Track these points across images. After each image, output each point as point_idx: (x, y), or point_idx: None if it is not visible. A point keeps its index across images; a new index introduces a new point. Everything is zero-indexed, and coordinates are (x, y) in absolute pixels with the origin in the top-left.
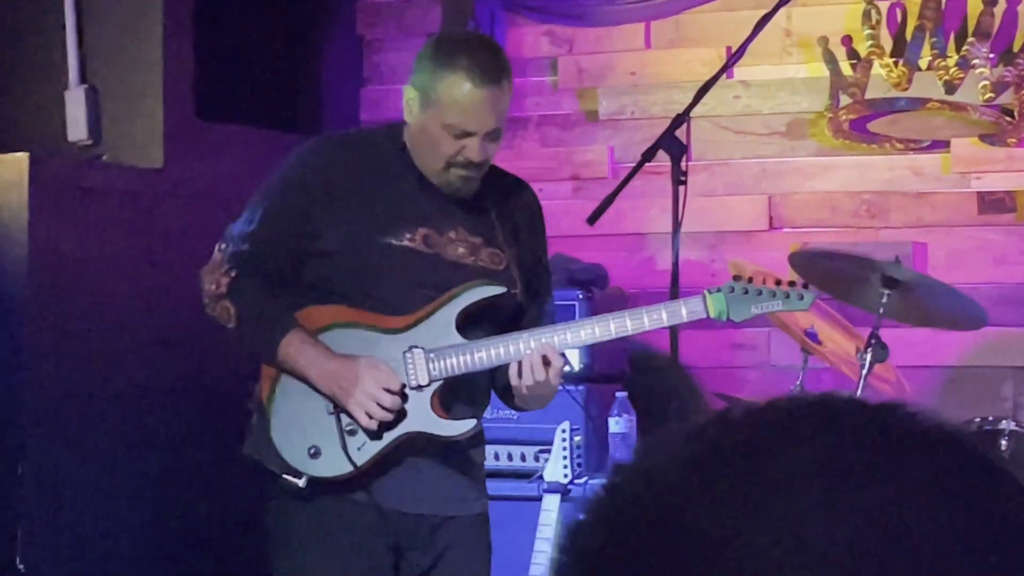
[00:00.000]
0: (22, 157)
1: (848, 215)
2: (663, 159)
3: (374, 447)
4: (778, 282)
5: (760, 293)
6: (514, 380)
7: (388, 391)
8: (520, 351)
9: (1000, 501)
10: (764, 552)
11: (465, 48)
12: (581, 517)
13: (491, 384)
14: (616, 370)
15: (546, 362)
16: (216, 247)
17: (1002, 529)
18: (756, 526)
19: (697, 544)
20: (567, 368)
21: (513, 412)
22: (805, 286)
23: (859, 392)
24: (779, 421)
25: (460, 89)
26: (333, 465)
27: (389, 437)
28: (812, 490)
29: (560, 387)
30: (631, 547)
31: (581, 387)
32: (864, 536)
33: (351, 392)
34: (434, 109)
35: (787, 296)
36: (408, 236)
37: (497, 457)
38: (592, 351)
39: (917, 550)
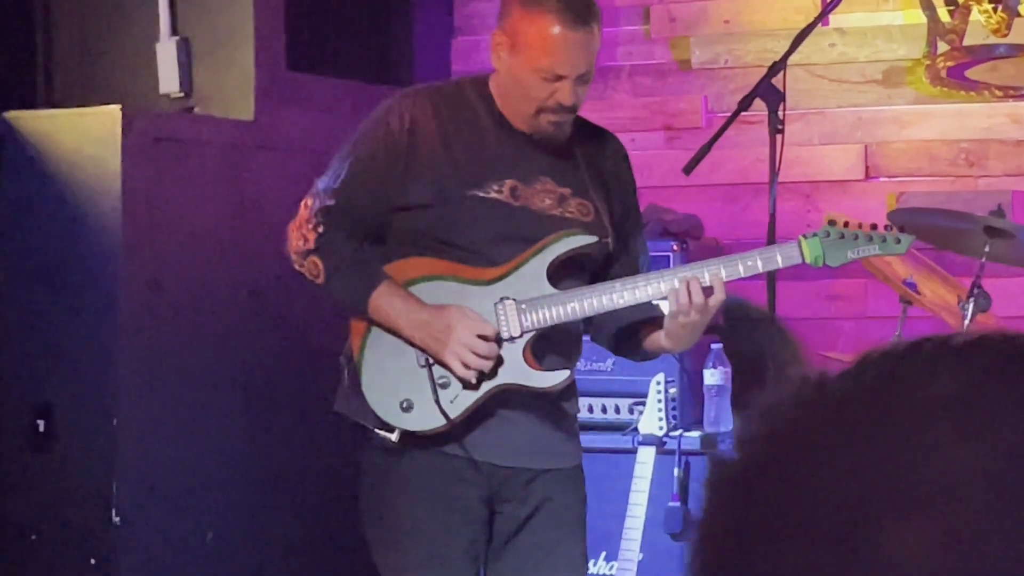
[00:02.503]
0: (114, 110)
1: (946, 164)
2: (758, 108)
3: (467, 399)
4: (874, 226)
5: (856, 237)
6: (675, 306)
7: (483, 338)
8: (614, 301)
9: None
10: (900, 488)
11: None
12: (725, 453)
13: (587, 334)
14: (711, 321)
15: (708, 293)
16: (303, 203)
17: None
18: (890, 464)
19: (830, 481)
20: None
21: (607, 364)
22: (902, 229)
23: None
24: (918, 359)
25: (551, 31)
26: (426, 418)
27: (482, 389)
28: (944, 425)
29: None
30: (769, 486)
31: None
32: (1002, 466)
33: (446, 342)
34: (524, 53)
35: (884, 240)
36: (496, 188)
37: (591, 410)
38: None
39: None
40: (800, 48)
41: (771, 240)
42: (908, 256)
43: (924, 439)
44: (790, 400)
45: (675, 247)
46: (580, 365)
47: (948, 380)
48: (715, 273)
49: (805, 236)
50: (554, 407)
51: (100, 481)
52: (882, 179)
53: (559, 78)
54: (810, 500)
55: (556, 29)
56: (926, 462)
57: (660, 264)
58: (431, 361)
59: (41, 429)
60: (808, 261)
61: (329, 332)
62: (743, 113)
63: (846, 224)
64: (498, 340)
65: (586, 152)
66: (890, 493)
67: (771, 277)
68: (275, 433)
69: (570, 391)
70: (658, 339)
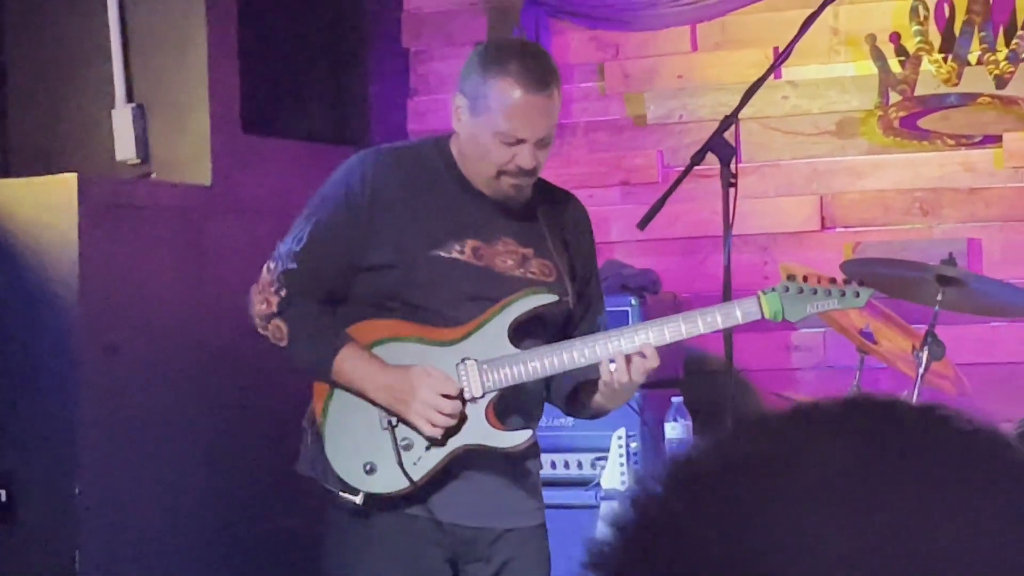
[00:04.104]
0: (71, 177)
1: (901, 213)
2: (713, 162)
3: (430, 461)
4: (832, 280)
5: (815, 292)
6: (605, 376)
7: (447, 396)
8: (574, 360)
9: None
10: (787, 561)
11: (515, 54)
12: (606, 529)
13: (545, 394)
14: (671, 375)
15: (642, 356)
16: (265, 266)
17: None
18: (778, 534)
19: (718, 564)
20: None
21: (568, 420)
22: (861, 283)
23: (916, 391)
24: (806, 425)
25: (511, 95)
26: (390, 481)
27: (445, 450)
28: (838, 494)
29: None
30: (651, 560)
31: (636, 392)
32: (891, 541)
33: (410, 402)
34: (485, 116)
35: (843, 294)
36: (457, 248)
37: (554, 466)
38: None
39: (946, 555)
40: (753, 101)
41: (727, 293)
42: (867, 306)
43: (814, 520)
44: (661, 478)
45: (633, 302)
46: (542, 421)
47: (835, 454)
48: (659, 337)
49: (764, 291)
50: (517, 466)
51: (62, 550)
52: (838, 229)
53: (519, 142)
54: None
55: (516, 93)
56: (820, 545)
57: (618, 319)
58: (394, 423)
59: (2, 499)
60: (767, 316)
61: (291, 395)
62: (698, 167)
63: (805, 278)
64: (461, 399)
65: (547, 212)
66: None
67: (728, 329)
68: (239, 498)
69: (533, 449)
70: (598, 397)
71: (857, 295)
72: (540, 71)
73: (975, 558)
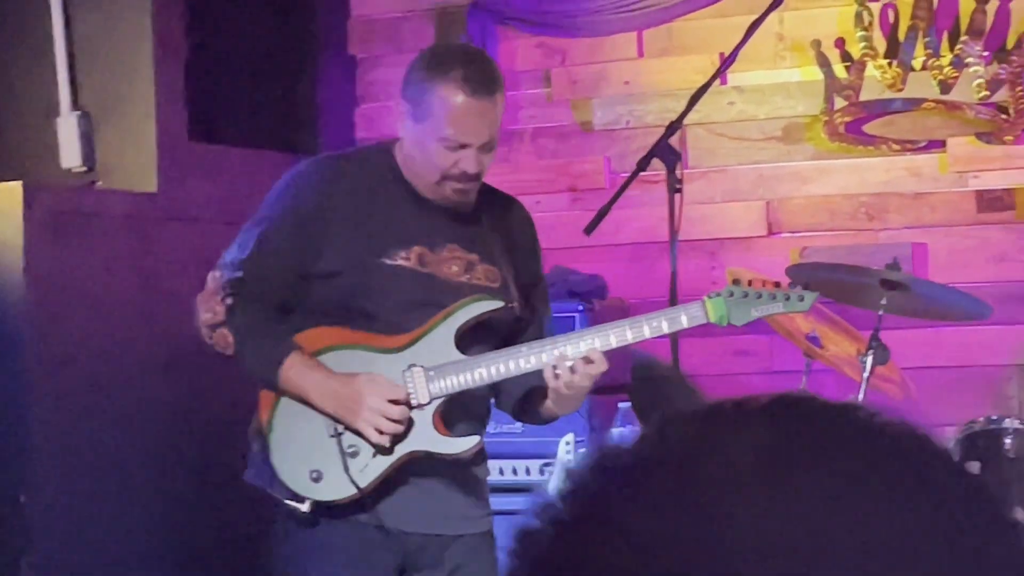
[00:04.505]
0: (16, 186)
1: (846, 218)
2: (659, 167)
3: (377, 468)
4: (777, 284)
5: (760, 296)
6: (552, 382)
7: (394, 403)
8: (520, 366)
9: (956, 502)
10: (703, 552)
11: (458, 60)
12: (529, 524)
13: (492, 400)
14: (619, 381)
15: (588, 361)
16: (210, 275)
17: (954, 530)
18: (695, 526)
19: (638, 550)
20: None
21: (517, 426)
22: (806, 287)
23: (862, 394)
24: (722, 421)
25: (454, 100)
26: (336, 488)
27: (392, 457)
28: (746, 492)
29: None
30: (574, 556)
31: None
32: (800, 529)
33: (357, 410)
34: (428, 122)
35: (787, 298)
36: (402, 255)
37: (501, 472)
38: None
39: (857, 547)
40: (700, 107)
41: (673, 298)
42: (811, 310)
43: (726, 507)
44: (590, 468)
45: (581, 307)
46: (490, 427)
47: (749, 446)
48: (605, 342)
49: (709, 296)
50: (464, 472)
51: (8, 560)
52: (784, 235)
53: (463, 147)
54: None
55: (459, 98)
56: (729, 530)
57: (565, 325)
58: (340, 430)
59: None
60: (713, 320)
61: (240, 402)
62: (645, 173)
63: (750, 283)
64: (408, 405)
65: (493, 218)
66: (694, 564)
67: (674, 334)
68: (189, 506)
69: (480, 455)
70: (548, 403)
71: (801, 299)
72: (483, 76)
73: (880, 549)
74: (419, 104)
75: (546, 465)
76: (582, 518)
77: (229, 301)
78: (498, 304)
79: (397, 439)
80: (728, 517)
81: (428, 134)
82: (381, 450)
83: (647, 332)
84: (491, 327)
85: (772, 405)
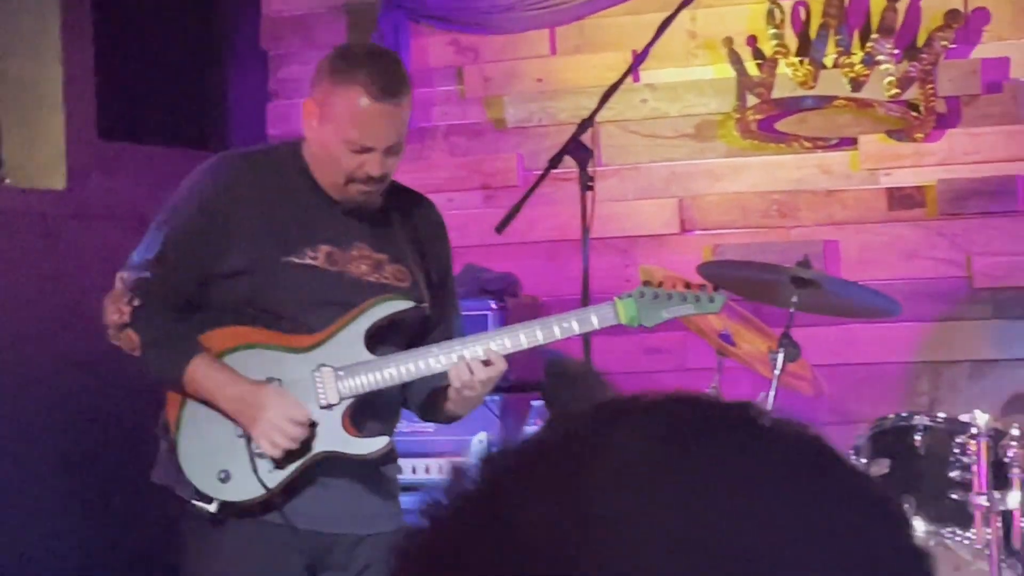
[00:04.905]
0: None
1: (759, 215)
2: (572, 165)
3: (285, 469)
4: (688, 285)
5: (671, 297)
6: (456, 382)
7: (294, 421)
8: (430, 366)
9: (846, 502)
10: (585, 546)
11: (363, 62)
12: (418, 522)
13: (402, 400)
14: (532, 379)
15: (487, 363)
16: (118, 276)
17: (843, 528)
18: (578, 519)
19: (519, 544)
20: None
21: (429, 424)
22: (716, 288)
23: (772, 392)
24: (611, 417)
25: (359, 103)
26: (244, 489)
27: (300, 459)
28: (637, 482)
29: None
30: (452, 552)
31: (497, 397)
32: (686, 526)
33: (257, 419)
34: (333, 124)
35: (697, 299)
36: (310, 254)
37: (414, 470)
38: (507, 360)
39: (740, 544)
40: (613, 104)
41: (585, 296)
42: (724, 308)
43: (610, 501)
44: (476, 464)
45: (493, 306)
46: (402, 426)
47: (637, 441)
48: (516, 343)
49: (620, 297)
50: (374, 472)
51: None
52: (697, 232)
53: (367, 150)
54: (495, 570)
55: (364, 101)
56: (613, 524)
57: (478, 323)
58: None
59: None
60: (623, 322)
61: (150, 401)
62: (557, 170)
63: (660, 284)
64: (311, 420)
65: (402, 217)
66: (577, 558)
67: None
68: (98, 506)
69: (391, 455)
70: (449, 404)
71: (712, 300)
72: (389, 78)
73: (763, 546)
74: (324, 106)
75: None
76: (463, 512)
77: (136, 302)
78: (408, 304)
79: (292, 452)
80: (612, 511)
81: (333, 136)
82: (277, 463)
83: (558, 333)
84: (400, 327)
85: (663, 402)
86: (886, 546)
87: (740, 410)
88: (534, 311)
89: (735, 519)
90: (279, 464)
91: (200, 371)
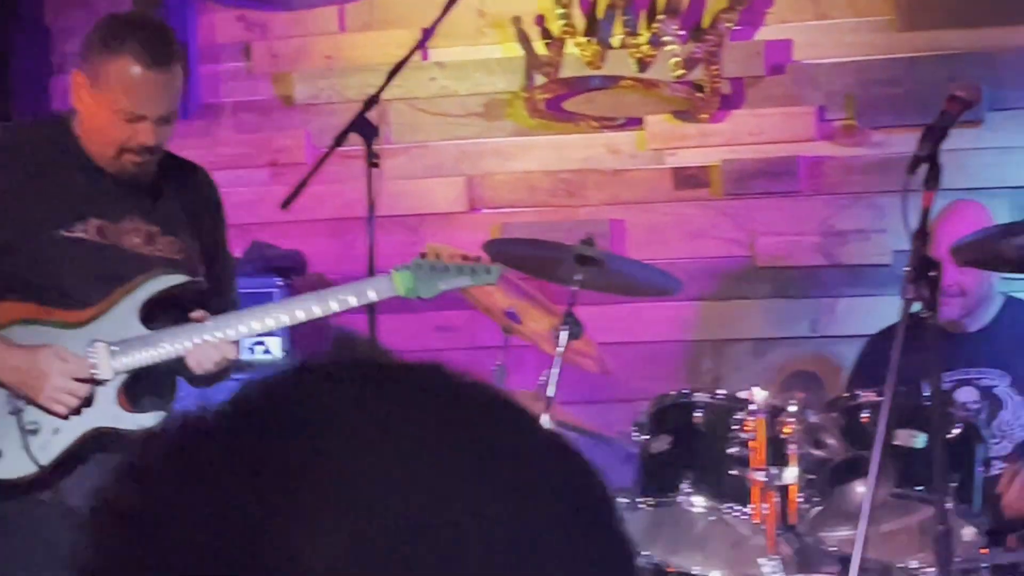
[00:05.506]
0: None
1: (547, 194)
2: (360, 142)
3: (58, 445)
4: (465, 257)
5: (447, 269)
6: (191, 363)
7: (77, 378)
8: (205, 342)
9: (536, 461)
10: (300, 503)
11: (133, 30)
12: (104, 499)
13: (179, 374)
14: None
15: (216, 347)
16: None
17: (532, 487)
18: (284, 484)
19: (184, 527)
20: (268, 356)
21: None
22: (493, 259)
23: (556, 369)
24: (293, 382)
25: (130, 72)
26: (16, 466)
27: (74, 434)
28: (335, 436)
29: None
30: (112, 540)
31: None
32: (370, 491)
33: (41, 386)
34: (104, 94)
35: (474, 271)
36: (80, 228)
37: None
38: (295, 338)
39: (427, 504)
40: (402, 83)
41: (371, 274)
42: (511, 286)
43: (316, 453)
44: (172, 430)
45: (279, 283)
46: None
47: (320, 407)
48: (292, 317)
49: (397, 268)
50: None
51: None
52: (485, 211)
53: (140, 119)
54: (199, 536)
55: (135, 70)
56: (324, 474)
57: (263, 300)
58: (20, 407)
59: None
60: (401, 293)
61: None
62: (346, 148)
63: (437, 255)
64: (92, 381)
65: (175, 188)
66: (288, 511)
67: (372, 310)
68: None
69: None
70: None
71: (488, 271)
72: (159, 47)
73: (446, 506)
74: (95, 76)
75: None
76: (154, 475)
77: None
78: (181, 279)
79: (76, 418)
80: (309, 467)
81: (104, 106)
82: (58, 430)
83: (335, 306)
84: (176, 300)
85: (350, 368)
86: (582, 508)
87: (429, 371)
88: (320, 289)
89: (424, 482)
90: (53, 438)
91: None
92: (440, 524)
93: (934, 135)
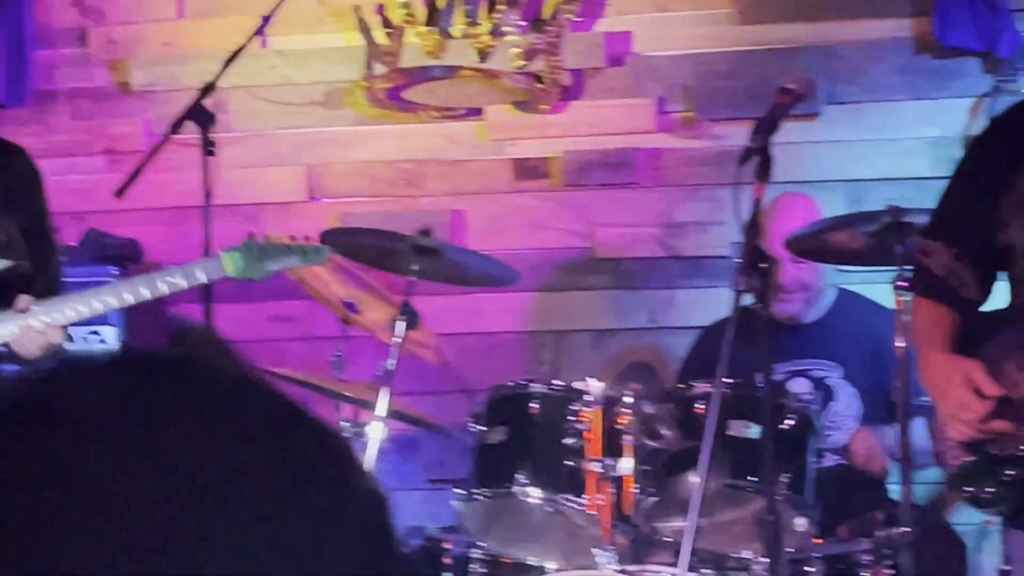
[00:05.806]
0: None
1: (387, 184)
2: (197, 130)
3: None
4: (293, 238)
5: (277, 249)
6: (22, 354)
7: None
8: (30, 326)
9: (294, 445)
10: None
11: None
12: None
13: (4, 359)
14: (157, 345)
15: (43, 334)
16: None
17: (292, 470)
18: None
19: None
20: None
21: None
22: (322, 241)
23: (393, 359)
24: (61, 379)
25: None
26: None
27: None
28: (96, 445)
29: None
30: None
31: None
32: (132, 483)
33: None
34: None
35: (303, 251)
36: None
37: None
38: (132, 326)
39: (188, 491)
40: (242, 70)
41: None
42: (349, 276)
43: (77, 460)
44: None
45: (115, 272)
46: None
47: (83, 401)
48: (120, 300)
49: (226, 250)
50: None
51: None
52: (325, 200)
53: None
54: None
55: None
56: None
57: None
58: None
59: None
60: (231, 274)
61: None
62: (183, 136)
63: (267, 237)
64: None
65: None
66: (52, 513)
67: (208, 299)
68: None
69: None
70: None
71: (317, 252)
72: None
73: (207, 493)
74: None
75: None
76: None
77: None
78: (5, 263)
79: None
80: (71, 471)
81: None
82: None
83: (164, 288)
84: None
85: (113, 361)
86: (323, 462)
87: (186, 363)
88: None
89: (184, 468)
90: None
91: None
92: (195, 522)
93: (765, 127)
